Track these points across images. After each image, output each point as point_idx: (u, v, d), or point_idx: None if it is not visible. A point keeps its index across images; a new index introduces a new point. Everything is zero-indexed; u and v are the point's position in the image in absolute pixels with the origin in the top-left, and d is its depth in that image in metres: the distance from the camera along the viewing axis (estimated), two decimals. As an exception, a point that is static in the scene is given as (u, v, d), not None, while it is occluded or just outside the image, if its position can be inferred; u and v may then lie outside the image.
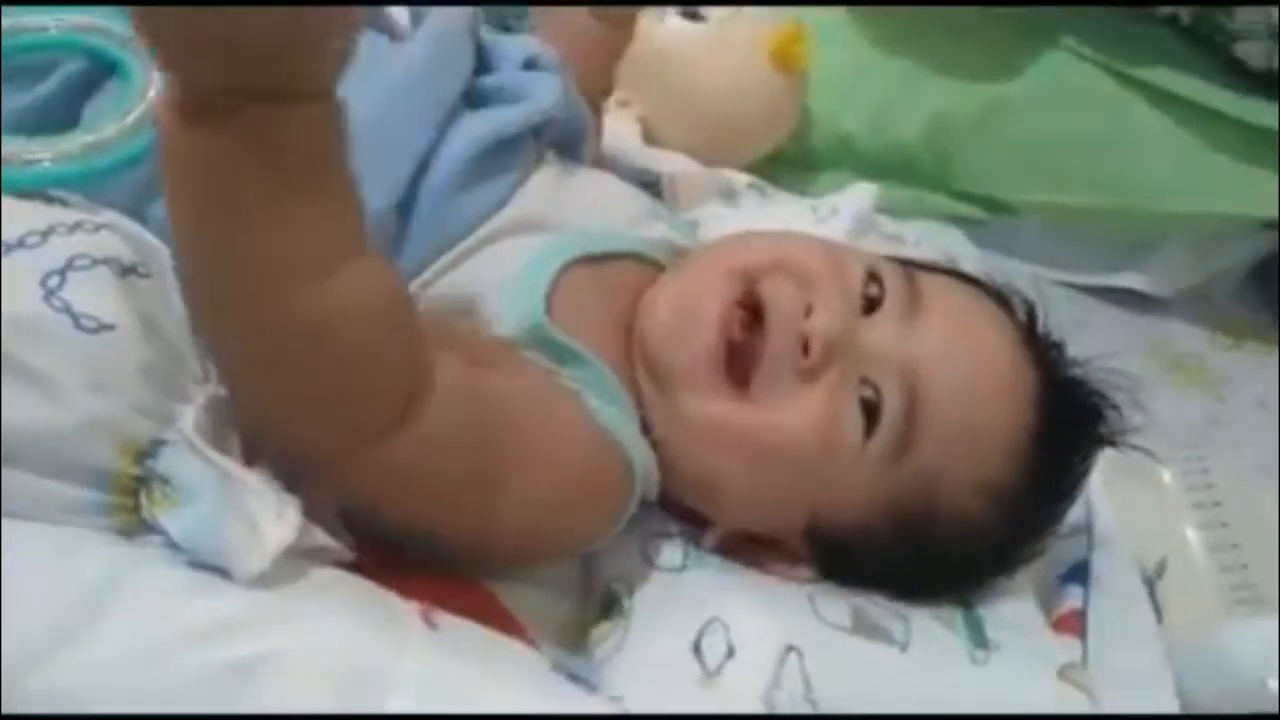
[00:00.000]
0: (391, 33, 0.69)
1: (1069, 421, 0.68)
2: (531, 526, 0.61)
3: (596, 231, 0.70)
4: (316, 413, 0.53)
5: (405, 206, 0.64)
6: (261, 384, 0.53)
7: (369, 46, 0.65)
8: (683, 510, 0.68)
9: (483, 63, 0.73)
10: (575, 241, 0.68)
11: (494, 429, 0.58)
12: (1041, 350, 0.70)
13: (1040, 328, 0.71)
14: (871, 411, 0.64)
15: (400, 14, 0.72)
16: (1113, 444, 0.71)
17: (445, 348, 0.57)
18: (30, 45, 0.64)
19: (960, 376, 0.65)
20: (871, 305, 0.66)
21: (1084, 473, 0.72)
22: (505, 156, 0.68)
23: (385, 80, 0.65)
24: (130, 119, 0.61)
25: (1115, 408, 0.70)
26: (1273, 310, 1.21)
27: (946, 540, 0.66)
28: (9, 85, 0.63)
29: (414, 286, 0.64)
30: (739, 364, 0.65)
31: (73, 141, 0.60)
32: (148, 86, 0.62)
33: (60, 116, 0.63)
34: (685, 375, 0.65)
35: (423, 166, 0.65)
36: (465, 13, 0.72)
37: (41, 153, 0.60)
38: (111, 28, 0.65)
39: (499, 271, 0.65)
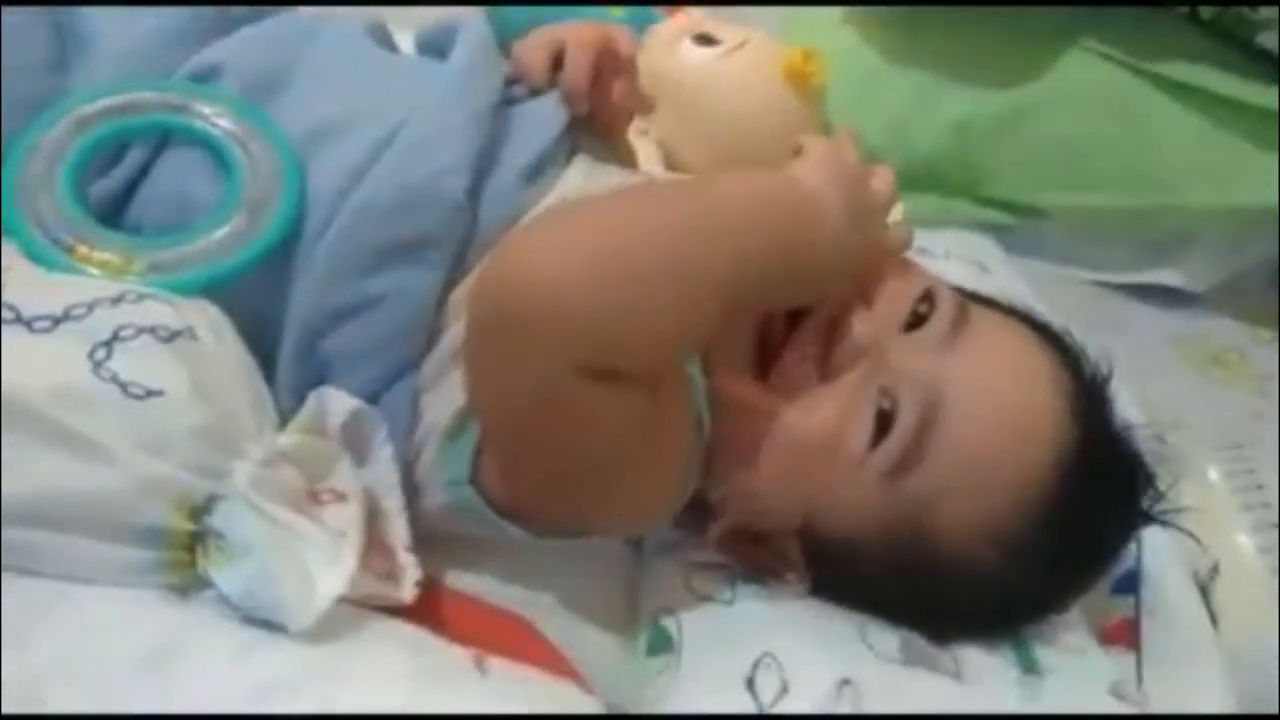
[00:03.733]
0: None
1: (1098, 482, 0.65)
2: (637, 513, 0.66)
3: None
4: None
5: (473, 198, 0.67)
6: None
7: (422, 68, 0.72)
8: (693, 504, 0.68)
9: None
10: None
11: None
12: (1088, 405, 0.67)
13: (1093, 380, 0.68)
14: (884, 421, 0.63)
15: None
16: (1151, 519, 0.69)
17: None
18: (171, 125, 0.66)
19: (983, 408, 0.63)
20: (917, 322, 0.66)
21: (1115, 540, 0.69)
22: (551, 152, 0.71)
23: (433, 94, 0.70)
24: (224, 231, 0.63)
25: (1153, 475, 0.68)
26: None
27: (938, 575, 0.64)
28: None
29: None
30: (770, 351, 0.66)
31: (169, 252, 0.62)
32: (248, 196, 0.64)
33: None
34: (721, 353, 0.66)
35: (486, 161, 0.68)
36: (488, 32, 0.76)
37: (135, 263, 0.62)
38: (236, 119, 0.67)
39: None
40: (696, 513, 0.68)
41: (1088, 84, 1.11)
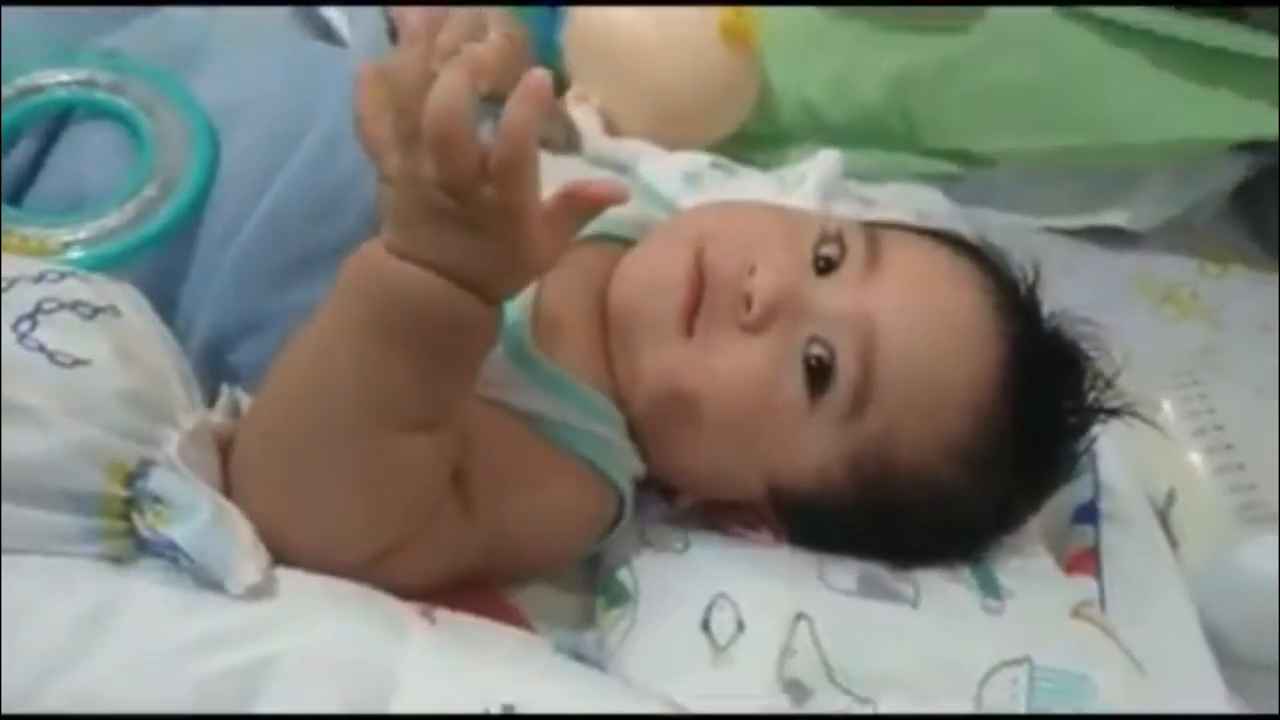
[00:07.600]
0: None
1: (1044, 375, 0.66)
2: (537, 563, 0.66)
3: None
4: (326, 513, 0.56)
5: None
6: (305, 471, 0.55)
7: (330, 57, 0.66)
8: (658, 484, 0.68)
9: None
10: None
11: (496, 532, 0.61)
12: (1017, 306, 0.67)
13: (1017, 281, 0.69)
14: (824, 370, 0.63)
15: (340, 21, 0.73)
16: (1106, 411, 0.69)
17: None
18: (74, 102, 0.64)
19: (918, 333, 0.63)
20: (829, 265, 0.65)
21: (1073, 431, 0.69)
22: None
23: (339, 93, 0.64)
24: (134, 204, 0.62)
25: (1091, 359, 0.68)
26: (1256, 234, 1.20)
27: (913, 502, 0.64)
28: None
29: None
30: (689, 320, 0.64)
31: (85, 228, 0.61)
32: (159, 165, 0.62)
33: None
34: (644, 332, 0.65)
35: None
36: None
37: (49, 243, 0.60)
38: (142, 88, 0.65)
39: None
40: (661, 489, 0.68)
41: (1021, 29, 1.09)
